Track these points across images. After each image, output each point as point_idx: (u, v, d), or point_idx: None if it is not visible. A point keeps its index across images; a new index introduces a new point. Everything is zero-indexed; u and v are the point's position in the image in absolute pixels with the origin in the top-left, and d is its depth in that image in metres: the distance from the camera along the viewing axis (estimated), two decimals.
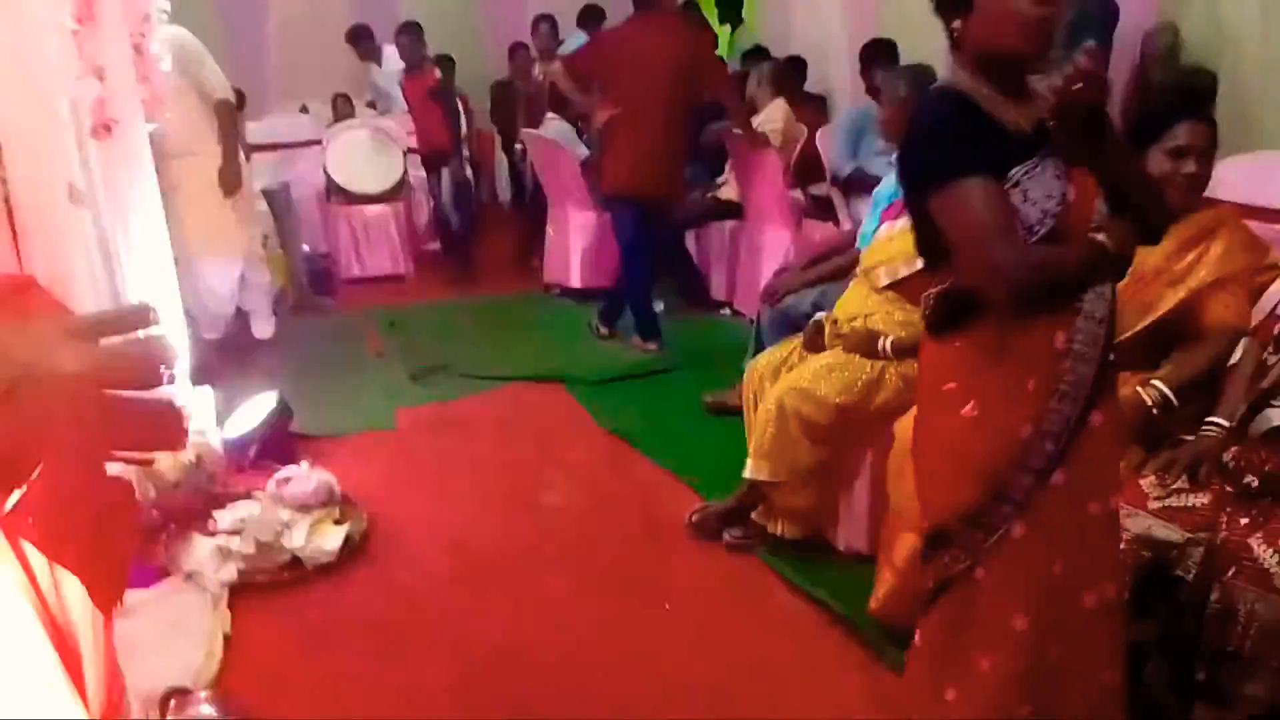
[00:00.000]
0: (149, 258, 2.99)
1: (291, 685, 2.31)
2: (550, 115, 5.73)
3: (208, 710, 1.83)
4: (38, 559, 1.23)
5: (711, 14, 7.56)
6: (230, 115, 4.06)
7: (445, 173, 6.06)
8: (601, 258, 5.40)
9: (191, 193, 3.87)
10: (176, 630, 2.46)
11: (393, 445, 3.77)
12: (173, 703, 1.80)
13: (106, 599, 1.32)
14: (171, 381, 1.37)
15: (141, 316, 1.26)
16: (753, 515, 2.89)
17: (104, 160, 2.46)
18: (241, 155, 4.21)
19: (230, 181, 4.02)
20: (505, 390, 4.35)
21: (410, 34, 5.90)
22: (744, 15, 7.45)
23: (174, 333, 3.34)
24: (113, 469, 1.26)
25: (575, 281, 5.63)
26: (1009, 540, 1.55)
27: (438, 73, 6.01)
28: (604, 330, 4.98)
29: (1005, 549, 1.56)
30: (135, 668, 2.05)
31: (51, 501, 1.17)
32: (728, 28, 7.54)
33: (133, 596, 2.60)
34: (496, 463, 3.61)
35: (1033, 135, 1.47)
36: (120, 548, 1.36)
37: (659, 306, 4.99)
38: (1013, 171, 1.43)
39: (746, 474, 2.72)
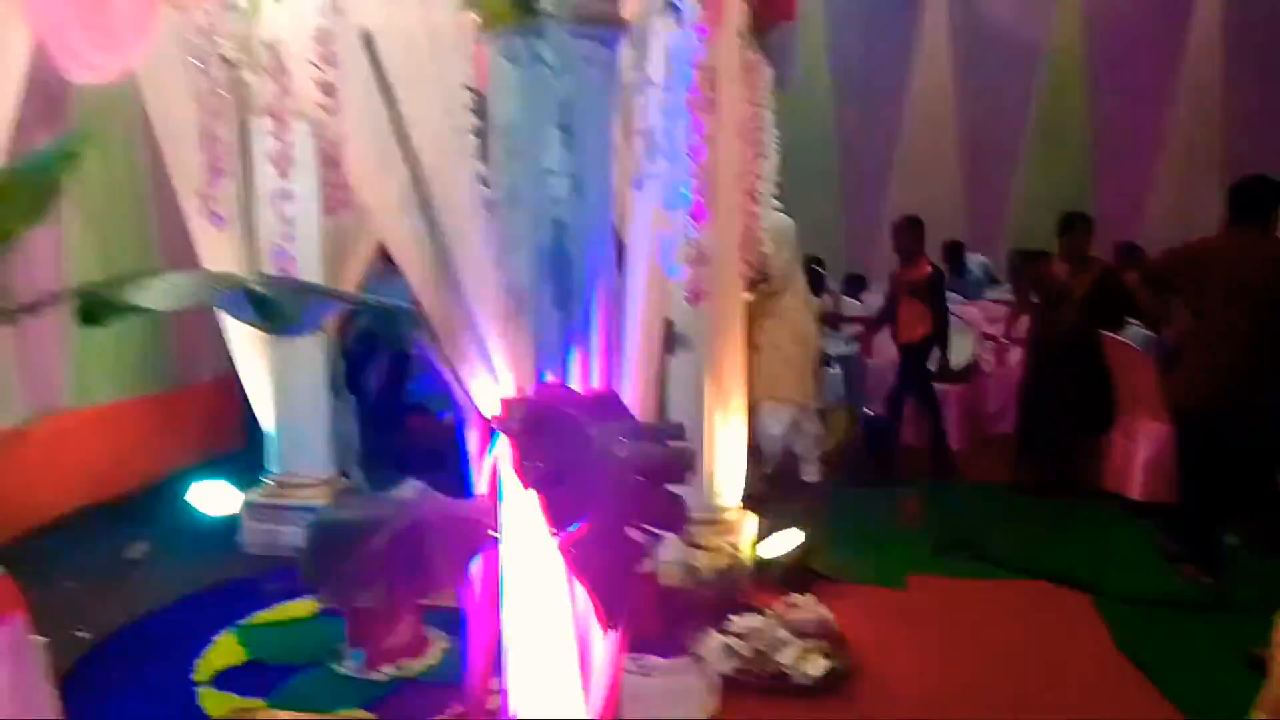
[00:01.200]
0: (728, 394, 3.74)
1: None
2: (1130, 320, 5.56)
3: None
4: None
5: None
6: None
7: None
8: (1167, 472, 5.02)
9: (764, 346, 4.67)
10: (678, 696, 3.00)
11: (897, 604, 4.00)
12: None
13: (607, 617, 1.83)
14: (683, 482, 1.92)
15: (678, 432, 1.85)
16: None
17: (708, 316, 3.26)
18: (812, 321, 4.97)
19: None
20: (1025, 585, 4.28)
21: (909, 226, 6.22)
22: None
23: (737, 459, 4.04)
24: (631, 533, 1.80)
25: (1134, 492, 5.29)
26: None
27: (929, 268, 6.18)
28: (1166, 549, 4.60)
29: None
30: (641, 709, 2.60)
31: (587, 540, 1.74)
32: None
33: (657, 660, 3.22)
34: (990, 652, 3.62)
35: None
36: (624, 586, 1.88)
37: (1230, 540, 4.49)
38: None
39: None
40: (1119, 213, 8.01)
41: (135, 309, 1.42)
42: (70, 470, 4.41)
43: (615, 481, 1.84)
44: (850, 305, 7.36)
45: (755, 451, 4.98)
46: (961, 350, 6.72)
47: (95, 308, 1.41)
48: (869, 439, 6.26)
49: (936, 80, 9.23)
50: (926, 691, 3.26)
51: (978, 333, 6.86)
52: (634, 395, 2.18)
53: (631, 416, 2.02)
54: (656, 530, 1.89)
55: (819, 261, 7.61)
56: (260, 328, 1.81)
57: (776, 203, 4.38)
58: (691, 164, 2.46)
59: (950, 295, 7.68)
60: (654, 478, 1.94)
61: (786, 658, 3.20)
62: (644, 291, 2.27)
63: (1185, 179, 8.63)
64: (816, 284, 7.37)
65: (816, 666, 3.19)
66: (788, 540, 4.06)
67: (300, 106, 2.20)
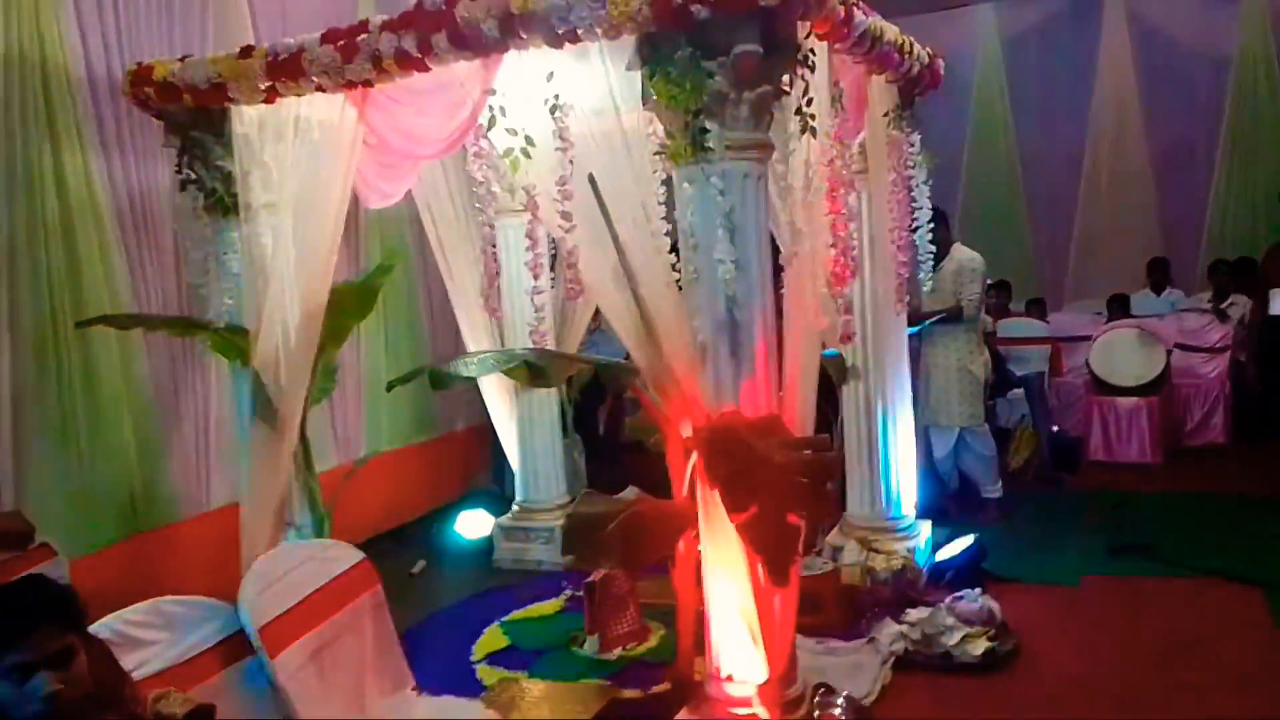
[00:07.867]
0: (897, 416, 4.36)
1: None
2: None
3: (840, 704, 2.91)
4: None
5: None
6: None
7: None
8: None
9: (930, 373, 5.25)
10: (854, 670, 3.60)
11: (1068, 599, 4.38)
12: (820, 691, 2.93)
13: (773, 578, 2.52)
14: (834, 481, 2.73)
15: (822, 443, 2.67)
16: None
17: (874, 351, 3.97)
18: (975, 342, 5.44)
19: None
20: (1197, 582, 4.49)
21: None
22: None
23: (909, 474, 4.59)
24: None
25: None
26: None
27: None
28: None
29: None
30: (822, 675, 3.23)
31: (757, 516, 2.49)
32: None
33: (837, 643, 3.84)
34: (1152, 640, 3.91)
35: None
36: (787, 556, 2.56)
37: None
38: None
39: None
40: None
41: (462, 378, 2.28)
42: (368, 504, 5.53)
43: (774, 480, 2.55)
44: (1033, 326, 7.62)
45: (935, 471, 5.51)
46: (1149, 364, 6.87)
47: (439, 378, 2.28)
48: (1054, 455, 6.54)
49: (1119, 96, 9.22)
50: (1084, 671, 3.67)
51: (1168, 346, 6.98)
52: (792, 417, 2.87)
53: (788, 433, 2.72)
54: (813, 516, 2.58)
55: (1005, 285, 7.89)
56: (532, 385, 2.64)
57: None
58: (834, 237, 3.13)
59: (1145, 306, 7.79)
60: (812, 478, 2.63)
61: (951, 640, 3.73)
62: (797, 342, 2.98)
63: None
64: (1002, 306, 7.69)
65: (978, 647, 3.69)
66: (960, 545, 4.54)
67: (547, 227, 3.09)
